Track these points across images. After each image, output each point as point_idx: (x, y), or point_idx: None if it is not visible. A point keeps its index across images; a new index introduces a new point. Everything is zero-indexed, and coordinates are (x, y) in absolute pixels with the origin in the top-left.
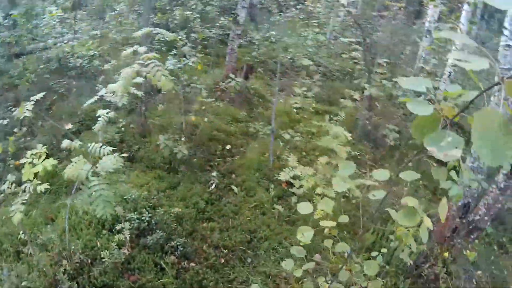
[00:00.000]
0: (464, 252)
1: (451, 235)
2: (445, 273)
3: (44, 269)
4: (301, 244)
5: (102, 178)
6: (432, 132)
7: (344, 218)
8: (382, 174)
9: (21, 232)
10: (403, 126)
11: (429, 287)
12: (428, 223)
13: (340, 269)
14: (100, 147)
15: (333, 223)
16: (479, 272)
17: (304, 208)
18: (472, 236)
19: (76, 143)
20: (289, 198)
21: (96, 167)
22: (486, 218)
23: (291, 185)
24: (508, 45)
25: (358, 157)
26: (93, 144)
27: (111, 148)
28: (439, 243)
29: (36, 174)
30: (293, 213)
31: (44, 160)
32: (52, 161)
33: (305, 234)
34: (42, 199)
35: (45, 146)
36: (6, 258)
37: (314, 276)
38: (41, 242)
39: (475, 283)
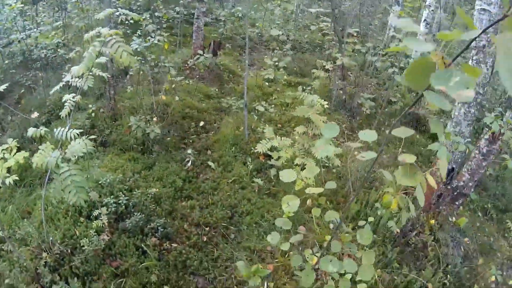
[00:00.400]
0: (450, 219)
1: (437, 202)
2: (432, 240)
3: (25, 264)
4: (285, 216)
5: (72, 164)
6: (426, 80)
7: (331, 184)
8: (369, 134)
9: None
10: (378, 94)
11: (418, 255)
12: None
13: (331, 239)
14: (67, 131)
15: (320, 190)
16: (466, 239)
17: (286, 175)
18: (457, 203)
19: (42, 129)
20: (268, 171)
21: (65, 153)
22: (470, 184)
23: (268, 157)
24: (483, 9)
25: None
26: (59, 128)
27: (78, 131)
28: (425, 210)
29: (9, 169)
30: (273, 185)
31: (15, 153)
32: (23, 154)
33: (290, 204)
34: (17, 193)
35: (15, 140)
36: None
37: (300, 249)
38: (20, 237)
39: (463, 250)
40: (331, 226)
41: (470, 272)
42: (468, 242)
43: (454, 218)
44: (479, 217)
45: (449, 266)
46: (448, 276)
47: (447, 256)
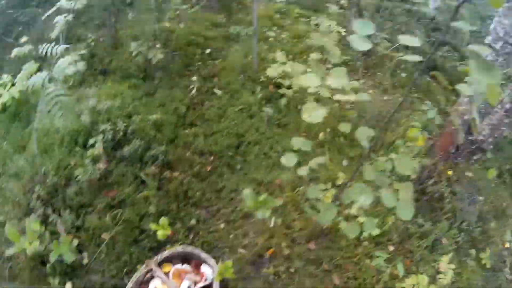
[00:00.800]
0: (467, 174)
1: (455, 151)
2: (449, 193)
3: (17, 199)
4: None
5: (59, 83)
6: None
7: (363, 96)
8: (411, 39)
9: None
10: (394, 36)
11: (433, 206)
12: None
13: (360, 165)
14: (53, 46)
15: (351, 98)
16: (481, 198)
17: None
18: (474, 158)
19: (27, 48)
20: (278, 101)
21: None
22: (490, 139)
23: (278, 87)
24: None
25: (349, 62)
26: (44, 44)
27: (65, 46)
28: (443, 159)
29: (4, 105)
30: (283, 116)
31: (10, 88)
32: (19, 88)
33: (313, 114)
34: (12, 127)
35: (10, 75)
36: None
37: (310, 184)
38: (13, 172)
39: (477, 208)
40: (344, 163)
41: (483, 234)
42: (482, 202)
43: (471, 174)
44: (493, 179)
45: (464, 224)
46: (462, 233)
47: (462, 212)
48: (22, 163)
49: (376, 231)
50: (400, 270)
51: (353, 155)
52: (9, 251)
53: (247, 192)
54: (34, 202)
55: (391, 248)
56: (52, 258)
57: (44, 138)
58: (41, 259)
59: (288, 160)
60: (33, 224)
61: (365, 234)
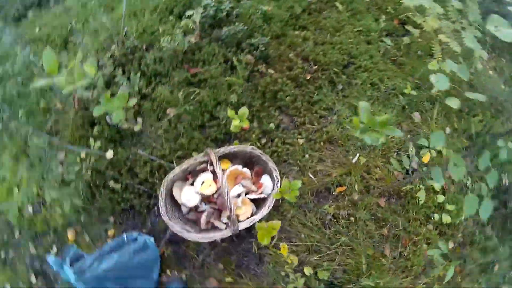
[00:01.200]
0: None
1: None
2: None
3: (88, 55)
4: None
5: None
6: None
7: None
8: None
9: (72, 21)
10: None
11: (508, 225)
12: None
13: None
14: None
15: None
16: None
17: None
18: None
19: None
20: (399, 38)
21: None
22: None
23: (404, 24)
24: None
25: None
26: None
27: None
28: None
29: None
30: (401, 55)
31: None
32: None
33: None
34: None
35: None
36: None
37: (409, 136)
38: (93, 29)
39: None
40: (447, 131)
41: None
42: None
43: None
44: None
45: None
46: None
47: None
48: (104, 21)
49: (448, 219)
50: (449, 275)
51: (457, 127)
52: (38, 83)
53: (364, 104)
54: (105, 60)
55: (451, 245)
56: (96, 111)
57: (137, 2)
58: (90, 120)
59: (440, 80)
60: (88, 65)
61: (436, 216)
